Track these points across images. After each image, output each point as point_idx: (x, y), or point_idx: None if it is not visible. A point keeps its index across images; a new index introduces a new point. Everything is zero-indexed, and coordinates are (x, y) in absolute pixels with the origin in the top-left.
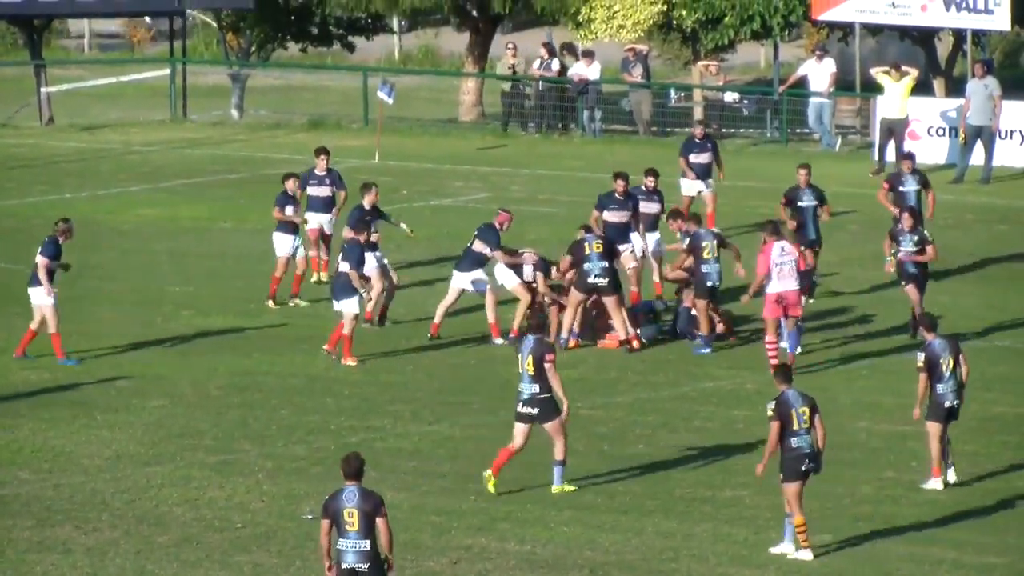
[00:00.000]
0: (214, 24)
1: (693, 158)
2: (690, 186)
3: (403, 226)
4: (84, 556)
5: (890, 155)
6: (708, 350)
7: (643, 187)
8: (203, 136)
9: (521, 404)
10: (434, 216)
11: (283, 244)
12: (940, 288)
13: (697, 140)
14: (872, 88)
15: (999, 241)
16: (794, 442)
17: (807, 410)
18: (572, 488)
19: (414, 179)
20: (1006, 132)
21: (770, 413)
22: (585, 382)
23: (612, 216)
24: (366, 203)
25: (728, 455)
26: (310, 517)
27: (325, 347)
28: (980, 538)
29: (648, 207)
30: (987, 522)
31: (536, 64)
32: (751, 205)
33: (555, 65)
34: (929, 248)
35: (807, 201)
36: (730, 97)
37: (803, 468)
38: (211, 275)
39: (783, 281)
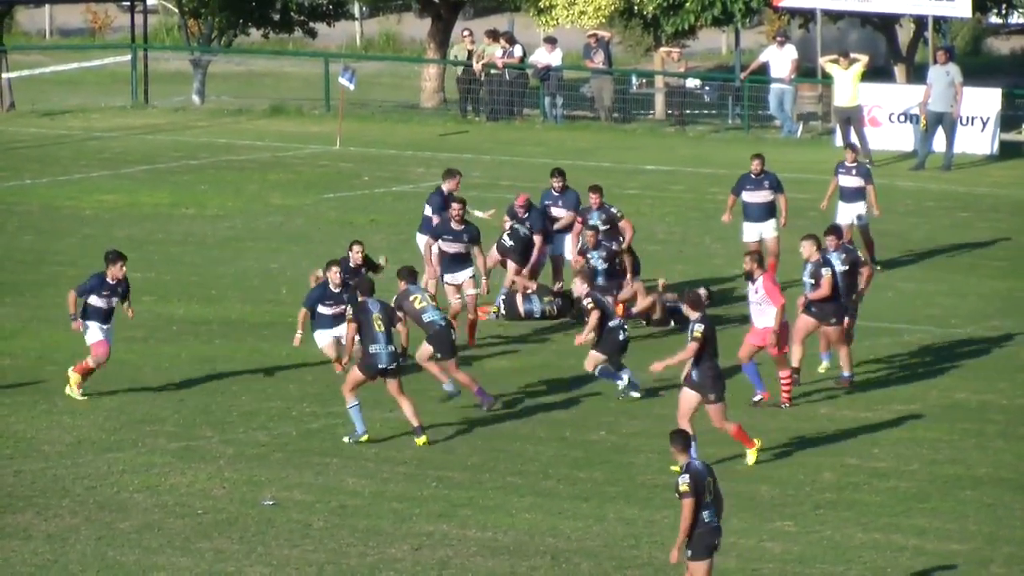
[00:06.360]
0: (175, 10)
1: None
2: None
3: (477, 213)
4: (45, 542)
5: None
6: None
7: (552, 190)
8: (164, 122)
9: None
10: (396, 203)
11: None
12: (901, 275)
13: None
14: None
15: (960, 228)
16: (706, 516)
17: (711, 480)
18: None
19: (375, 165)
20: (967, 119)
21: (684, 488)
22: (547, 368)
23: (557, 211)
24: (445, 188)
25: None
26: (271, 503)
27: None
28: (942, 525)
29: (556, 212)
30: (949, 509)
31: (498, 53)
32: (711, 192)
33: (518, 52)
34: None
35: None
36: (692, 84)
37: (715, 543)
38: (172, 261)
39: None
